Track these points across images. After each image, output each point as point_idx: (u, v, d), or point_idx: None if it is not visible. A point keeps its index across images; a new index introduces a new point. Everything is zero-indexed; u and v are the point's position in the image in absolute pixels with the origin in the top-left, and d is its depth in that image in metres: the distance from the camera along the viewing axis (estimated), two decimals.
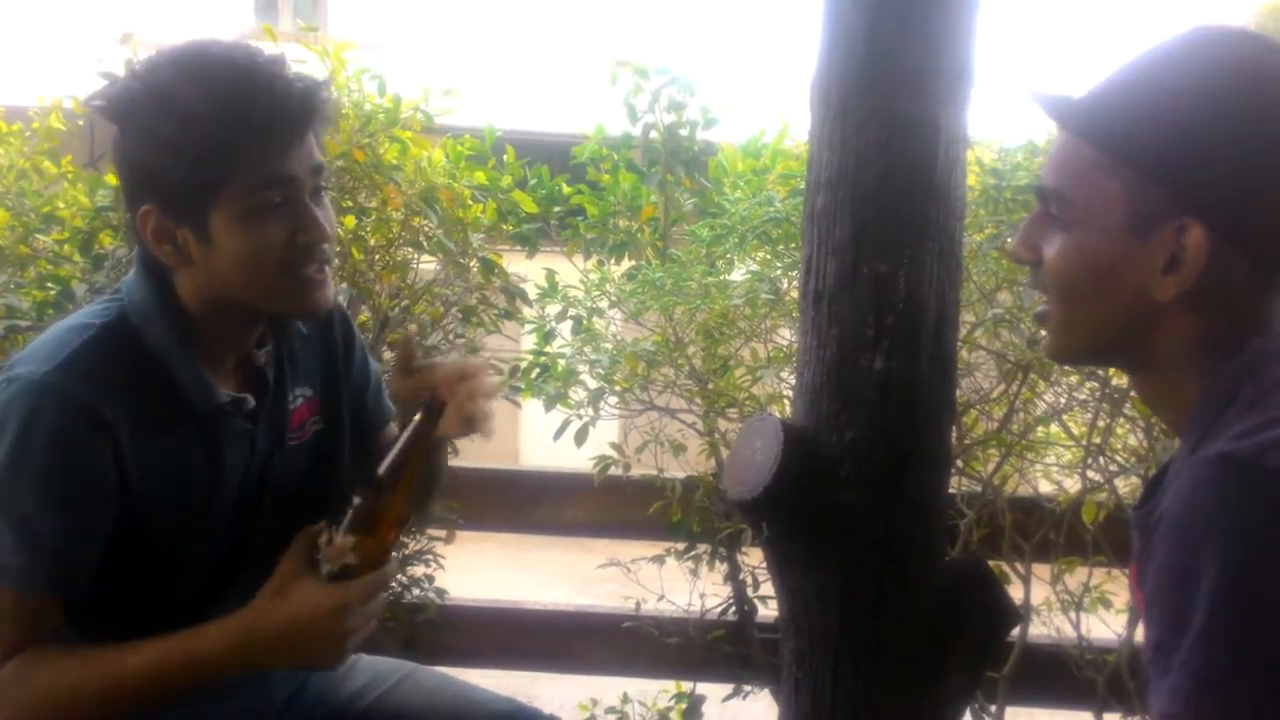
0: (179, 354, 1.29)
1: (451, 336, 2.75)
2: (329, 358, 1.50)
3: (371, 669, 1.59)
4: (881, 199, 1.68)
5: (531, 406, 2.87)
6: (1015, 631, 2.35)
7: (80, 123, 2.96)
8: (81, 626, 1.29)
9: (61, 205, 2.73)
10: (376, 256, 2.68)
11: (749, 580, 2.78)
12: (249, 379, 1.39)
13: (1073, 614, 2.50)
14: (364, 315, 2.63)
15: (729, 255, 2.63)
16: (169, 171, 1.22)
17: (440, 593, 2.76)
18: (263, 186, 1.24)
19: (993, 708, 2.47)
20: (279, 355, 1.41)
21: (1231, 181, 0.94)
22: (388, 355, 2.69)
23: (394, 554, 1.31)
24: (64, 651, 1.24)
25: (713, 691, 2.90)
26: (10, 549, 1.20)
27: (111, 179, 2.61)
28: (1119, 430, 2.39)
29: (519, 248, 3.11)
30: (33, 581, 1.21)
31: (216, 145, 1.20)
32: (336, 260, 1.55)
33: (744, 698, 2.82)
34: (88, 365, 1.23)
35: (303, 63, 1.34)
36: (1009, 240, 2.18)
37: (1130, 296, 0.99)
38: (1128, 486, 2.43)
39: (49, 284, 2.52)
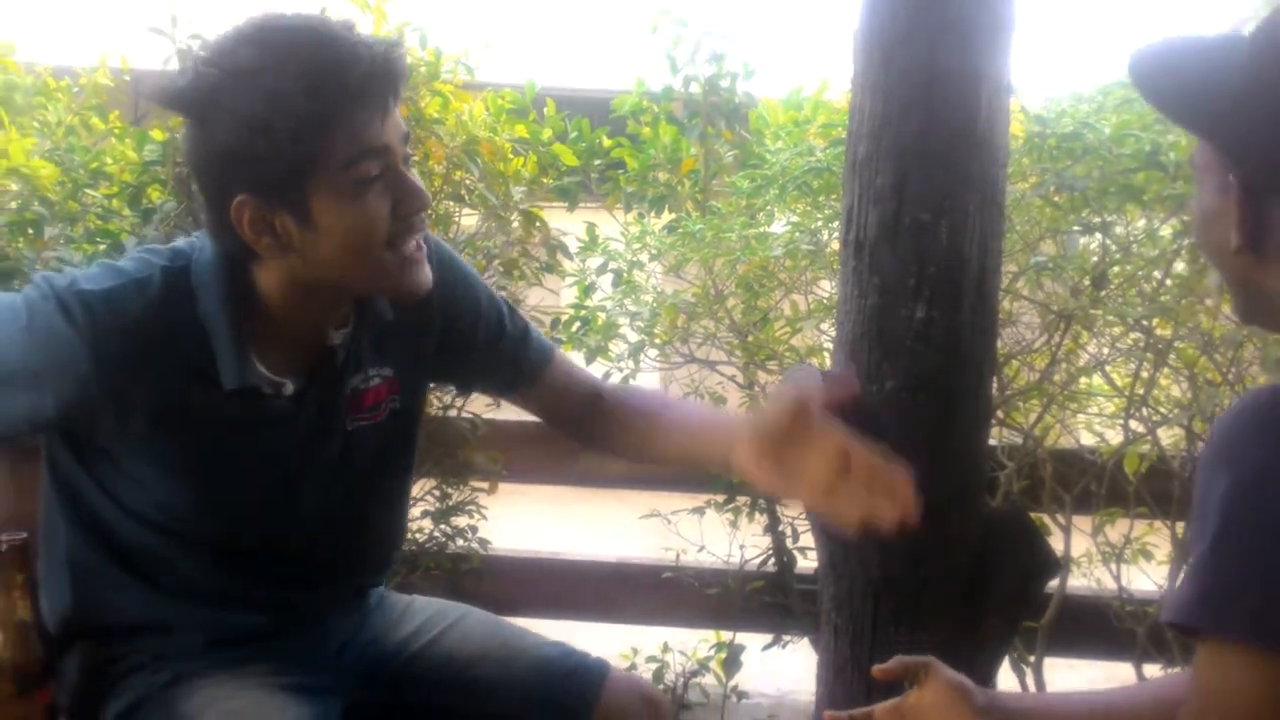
0: (224, 331, 1.26)
1: (494, 289, 2.76)
2: (420, 336, 1.47)
3: (427, 610, 1.61)
4: (924, 148, 1.67)
5: (572, 359, 2.89)
6: (1055, 582, 2.35)
7: (127, 79, 3.00)
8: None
9: (109, 161, 2.76)
10: None
11: (788, 532, 2.79)
12: (318, 359, 1.36)
13: (1113, 566, 2.50)
14: None
15: (769, 207, 2.62)
16: (264, 155, 1.16)
17: (484, 543, 2.80)
18: (361, 159, 1.19)
19: (1032, 658, 2.48)
20: (354, 337, 1.38)
21: (1258, 132, 0.96)
22: None
23: None
24: None
25: (752, 641, 2.93)
26: None
27: (159, 134, 2.64)
28: (1162, 381, 2.37)
29: (560, 202, 3.12)
30: None
31: (313, 120, 1.15)
32: None
33: (783, 647, 2.85)
34: (125, 314, 1.22)
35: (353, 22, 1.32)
36: (1053, 189, 2.16)
37: (1225, 250, 1.01)
38: (1170, 438, 2.41)
39: (99, 238, 2.56)
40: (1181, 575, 0.93)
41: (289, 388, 1.32)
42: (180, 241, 1.34)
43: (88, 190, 2.69)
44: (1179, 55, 1.03)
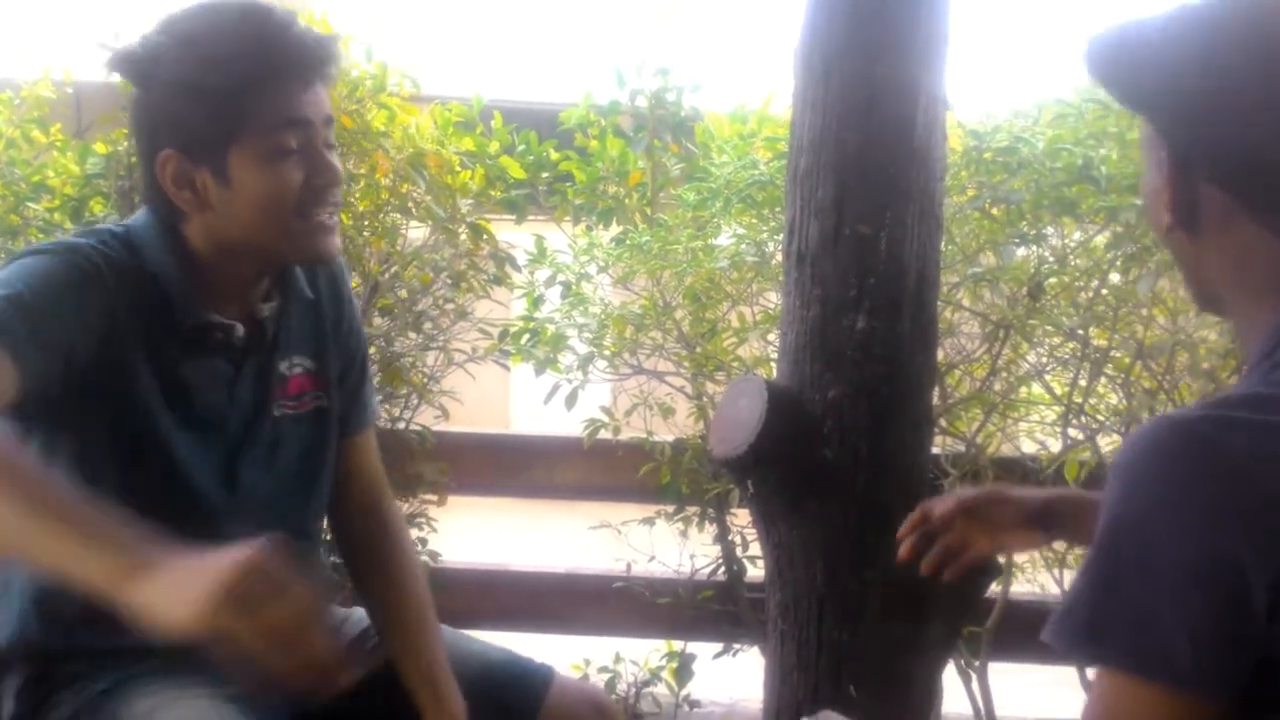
0: (174, 274, 1.34)
1: (441, 301, 2.77)
2: (336, 328, 1.52)
3: (365, 620, 1.61)
4: (863, 161, 1.71)
5: (521, 371, 2.90)
6: (998, 587, 2.39)
7: (69, 91, 2.97)
8: None
9: (51, 174, 2.74)
10: (365, 222, 2.69)
11: (738, 540, 2.82)
12: (251, 330, 1.42)
13: (1056, 571, 2.54)
14: (355, 281, 2.65)
15: (715, 219, 2.65)
16: (193, 115, 1.27)
17: (434, 555, 2.80)
18: (281, 128, 1.29)
19: (977, 662, 2.52)
20: (280, 315, 1.45)
21: (1187, 109, 0.96)
22: (378, 321, 2.72)
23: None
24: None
25: (703, 650, 2.95)
26: None
27: (101, 147, 2.62)
28: (1099, 389, 2.42)
29: (507, 215, 3.13)
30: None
31: (238, 86, 1.26)
32: None
33: (734, 655, 2.87)
34: (108, 254, 1.30)
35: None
36: (989, 201, 2.21)
37: (1162, 229, 1.01)
38: (1109, 444, 2.46)
39: None
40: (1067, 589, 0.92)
41: (239, 329, 1.39)
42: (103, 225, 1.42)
43: (29, 204, 2.66)
44: (1127, 33, 1.01)
